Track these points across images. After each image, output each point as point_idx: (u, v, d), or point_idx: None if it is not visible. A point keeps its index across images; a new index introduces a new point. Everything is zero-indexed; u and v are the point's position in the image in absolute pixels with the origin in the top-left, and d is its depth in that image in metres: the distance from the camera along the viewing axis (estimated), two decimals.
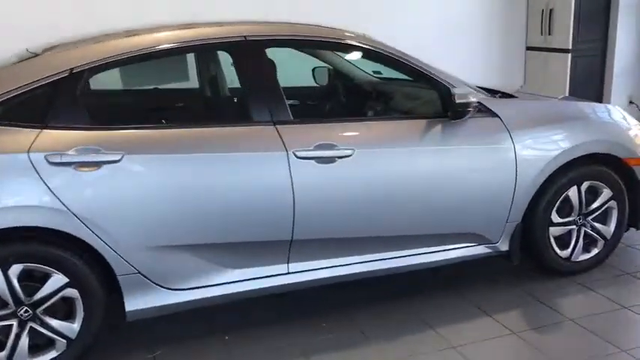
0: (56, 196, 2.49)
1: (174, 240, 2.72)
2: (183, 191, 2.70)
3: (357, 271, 3.08)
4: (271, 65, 2.96)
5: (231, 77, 3.23)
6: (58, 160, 2.51)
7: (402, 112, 3.17)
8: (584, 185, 3.39)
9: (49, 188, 2.48)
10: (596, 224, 3.49)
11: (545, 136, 3.27)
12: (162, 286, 2.76)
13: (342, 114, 3.36)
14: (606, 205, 3.48)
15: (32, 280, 2.56)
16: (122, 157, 2.59)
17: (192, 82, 3.27)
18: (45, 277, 2.56)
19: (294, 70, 3.56)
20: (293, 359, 2.81)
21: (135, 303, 2.73)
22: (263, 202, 2.81)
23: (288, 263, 2.96)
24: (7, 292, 2.49)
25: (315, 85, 3.71)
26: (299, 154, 2.82)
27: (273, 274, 2.95)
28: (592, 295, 3.29)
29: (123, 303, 2.71)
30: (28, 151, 2.48)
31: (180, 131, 2.77)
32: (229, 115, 2.96)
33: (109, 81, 2.98)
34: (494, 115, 3.20)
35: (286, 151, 2.80)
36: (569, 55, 6.27)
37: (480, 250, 3.28)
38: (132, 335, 2.99)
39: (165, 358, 2.86)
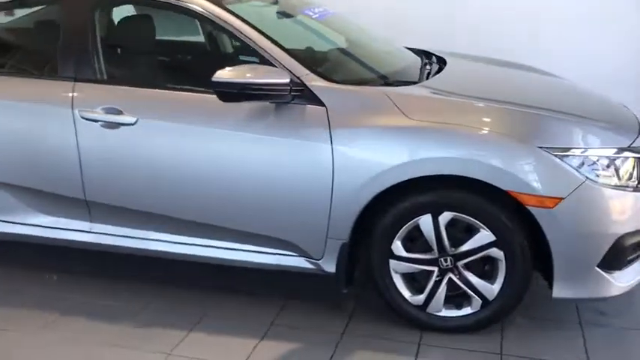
0: None
1: None
2: None
3: (159, 249, 2.89)
4: (93, 19, 2.87)
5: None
6: None
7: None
8: (444, 216, 2.47)
9: None
10: (468, 274, 2.53)
11: (379, 140, 2.47)
12: None
13: (148, 77, 3.03)
14: (485, 253, 2.48)
15: None
16: None
17: None
18: None
19: None
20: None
21: None
22: (51, 155, 2.86)
23: (90, 222, 2.98)
24: None
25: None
26: (84, 114, 2.77)
27: (77, 229, 3.00)
28: None
29: None
30: None
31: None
32: (45, 66, 3.03)
33: None
34: (320, 103, 2.55)
35: (72, 109, 2.79)
36: None
37: (301, 263, 2.71)
38: None
39: None
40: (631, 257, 2.53)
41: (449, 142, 2.41)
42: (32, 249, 3.23)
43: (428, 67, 3.19)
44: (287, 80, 2.51)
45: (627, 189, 2.45)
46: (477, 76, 3.24)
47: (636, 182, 2.49)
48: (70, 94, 2.81)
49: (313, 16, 3.17)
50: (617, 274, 2.50)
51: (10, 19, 3.36)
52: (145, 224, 2.89)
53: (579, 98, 3.11)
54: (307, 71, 2.60)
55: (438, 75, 3.03)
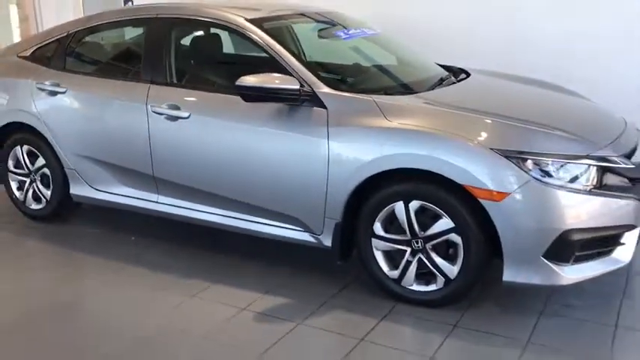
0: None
1: (87, 152, 3.94)
2: (90, 119, 3.89)
3: (209, 219, 3.61)
4: (168, 37, 3.70)
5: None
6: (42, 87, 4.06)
7: None
8: (414, 204, 2.94)
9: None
10: (435, 255, 2.97)
11: (363, 139, 3.01)
12: (87, 183, 4.04)
13: (200, 81, 3.73)
14: (446, 237, 2.91)
15: None
16: (66, 90, 3.95)
17: None
18: None
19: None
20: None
21: (75, 189, 4.11)
22: (130, 138, 3.73)
23: (157, 194, 3.79)
24: None
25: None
26: (153, 109, 3.60)
27: (147, 199, 3.83)
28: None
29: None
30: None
31: (98, 79, 3.94)
32: (133, 72, 3.87)
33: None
34: (323, 106, 3.14)
35: (146, 105, 3.62)
36: None
37: (307, 237, 3.31)
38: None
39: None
40: (583, 253, 2.82)
41: (414, 141, 2.89)
42: (119, 215, 4.16)
43: (445, 80, 3.66)
44: (297, 87, 3.13)
45: (579, 191, 2.77)
46: (482, 90, 3.63)
47: (591, 186, 2.80)
48: (146, 93, 3.65)
49: (343, 37, 3.76)
50: (567, 267, 2.81)
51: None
52: (196, 198, 3.64)
53: (570, 113, 3.43)
54: (316, 80, 3.21)
55: (445, 87, 3.50)
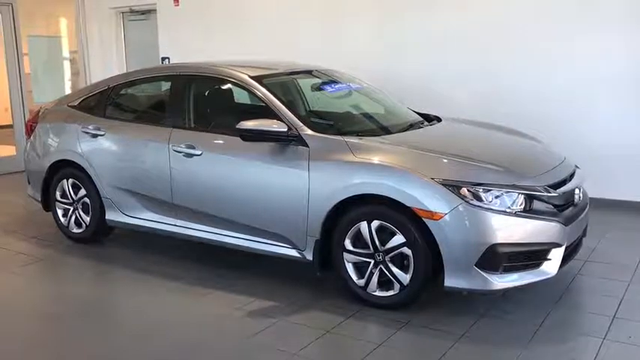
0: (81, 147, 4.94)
1: (120, 184, 4.76)
2: (123, 156, 4.74)
3: (215, 239, 4.37)
4: (187, 90, 4.55)
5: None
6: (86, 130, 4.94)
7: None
8: (375, 223, 3.63)
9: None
10: (392, 266, 3.63)
11: (335, 171, 3.73)
12: (119, 210, 4.85)
13: (211, 126, 4.50)
14: (399, 250, 3.58)
15: None
16: (105, 133, 4.82)
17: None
18: None
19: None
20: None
21: (109, 215, 4.92)
22: (155, 172, 4.54)
23: (175, 219, 4.57)
24: None
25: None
26: (174, 148, 4.42)
27: (168, 222, 4.61)
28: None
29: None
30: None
31: (131, 124, 4.80)
32: (159, 119, 4.71)
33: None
34: (306, 145, 3.89)
35: (168, 144, 4.44)
36: None
37: (294, 252, 4.02)
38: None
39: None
40: (511, 264, 3.45)
41: (373, 172, 3.61)
42: (144, 238, 4.95)
43: (415, 125, 4.40)
44: (285, 129, 3.90)
45: (506, 213, 3.43)
46: (441, 133, 4.36)
47: (517, 209, 3.46)
48: (169, 135, 4.48)
49: (329, 90, 4.56)
50: (497, 275, 3.44)
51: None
52: (206, 221, 4.39)
53: (512, 151, 4.15)
54: (301, 124, 3.98)
55: (412, 131, 4.23)
